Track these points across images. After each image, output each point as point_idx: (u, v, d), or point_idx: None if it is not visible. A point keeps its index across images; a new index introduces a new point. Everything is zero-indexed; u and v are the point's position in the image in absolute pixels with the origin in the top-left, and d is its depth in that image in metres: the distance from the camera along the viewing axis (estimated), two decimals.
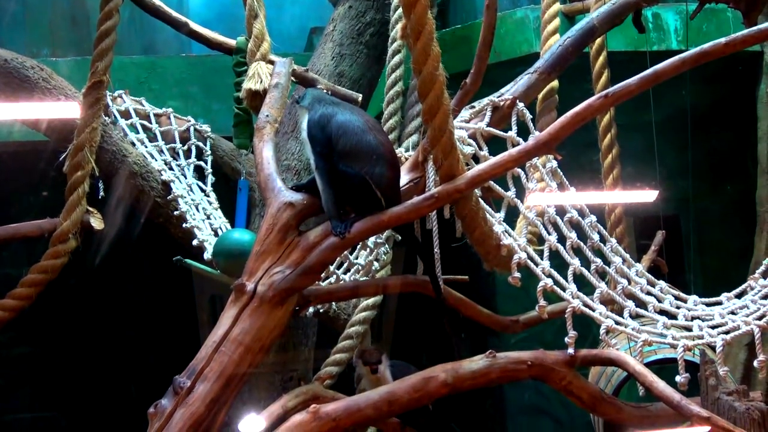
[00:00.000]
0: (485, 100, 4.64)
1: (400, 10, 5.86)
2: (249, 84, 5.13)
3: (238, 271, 5.10)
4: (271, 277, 4.08)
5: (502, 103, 4.62)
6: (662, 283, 4.52)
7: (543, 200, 4.53)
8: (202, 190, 6.21)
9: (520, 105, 4.61)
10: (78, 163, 5.25)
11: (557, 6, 5.69)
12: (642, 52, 6.32)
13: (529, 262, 4.31)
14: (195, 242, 5.69)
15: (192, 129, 6.42)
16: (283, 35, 8.22)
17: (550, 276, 4.30)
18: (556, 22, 5.65)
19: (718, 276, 6.83)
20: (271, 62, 5.27)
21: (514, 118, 4.60)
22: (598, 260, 4.42)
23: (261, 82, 5.12)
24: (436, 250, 4.29)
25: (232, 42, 5.48)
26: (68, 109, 5.28)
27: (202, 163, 6.32)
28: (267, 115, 4.54)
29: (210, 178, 6.29)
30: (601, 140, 5.85)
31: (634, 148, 6.06)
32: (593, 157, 5.90)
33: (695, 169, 6.97)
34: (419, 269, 4.46)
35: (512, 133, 4.56)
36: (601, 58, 5.81)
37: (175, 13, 5.44)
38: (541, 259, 4.37)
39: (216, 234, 5.86)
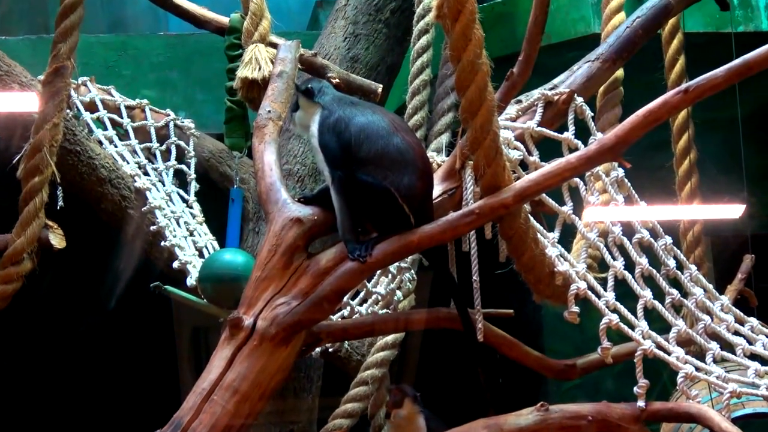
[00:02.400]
0: (535, 94, 4.66)
1: None
2: (245, 71, 5.18)
3: (229, 301, 5.19)
4: (274, 310, 4.11)
5: (556, 98, 4.65)
6: (753, 321, 4.52)
7: (606, 217, 4.54)
8: (184, 200, 6.27)
9: (579, 100, 4.64)
10: (35, 167, 5.28)
11: None
12: (726, 33, 6.35)
13: (589, 293, 4.32)
14: (176, 264, 5.74)
15: (172, 125, 6.47)
16: (282, 10, 8.26)
17: (615, 311, 4.31)
18: None
19: None
20: (273, 45, 5.33)
21: (571, 116, 4.62)
22: (675, 292, 4.42)
23: (260, 69, 5.17)
24: (474, 278, 4.30)
25: (224, 19, 5.51)
26: (23, 100, 5.31)
27: (183, 167, 6.39)
28: (269, 111, 4.58)
29: (193, 186, 6.35)
30: (675, 142, 5.88)
31: (714, 151, 6.08)
32: (665, 162, 5.91)
33: None
34: (452, 301, 4.47)
35: (569, 134, 4.58)
36: (676, 42, 5.83)
37: None
38: (605, 290, 4.37)
39: (201, 255, 5.90)
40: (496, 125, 4.02)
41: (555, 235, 4.50)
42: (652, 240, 4.52)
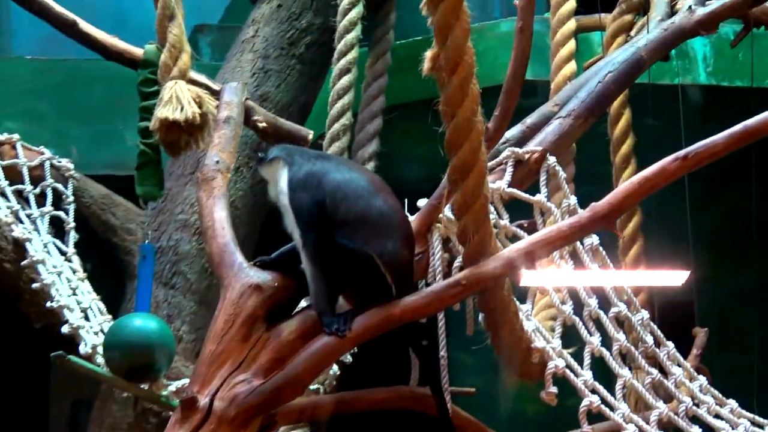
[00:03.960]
0: (505, 152, 4.86)
1: (353, 13, 6.16)
2: (164, 111, 5.22)
3: (141, 375, 5.18)
4: (233, 389, 4.14)
5: (527, 156, 4.85)
6: (733, 403, 4.82)
7: (563, 281, 4.76)
8: (62, 253, 6.20)
9: (552, 159, 4.86)
10: None
11: (572, 24, 6.01)
12: (665, 85, 6.71)
13: (567, 372, 4.52)
14: (66, 329, 5.70)
15: (47, 165, 6.42)
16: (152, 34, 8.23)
17: (594, 391, 4.52)
18: (572, 45, 5.97)
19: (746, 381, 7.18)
20: (194, 82, 5.37)
21: (543, 177, 4.84)
22: (654, 371, 4.68)
23: (182, 109, 5.22)
24: (442, 353, 4.45)
25: (138, 51, 5.52)
26: None
27: (61, 214, 6.34)
28: (217, 161, 4.63)
29: (72, 236, 6.29)
30: None
31: (659, 214, 6.38)
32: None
33: (716, 236, 7.39)
34: (413, 377, 4.60)
35: (541, 196, 4.80)
36: (621, 95, 6.16)
37: (60, 8, 5.46)
38: (581, 367, 4.59)
39: (87, 318, 5.86)
40: (486, 188, 4.18)
41: (528, 307, 4.71)
42: (629, 314, 4.77)
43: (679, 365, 4.81)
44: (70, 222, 6.32)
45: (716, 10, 5.36)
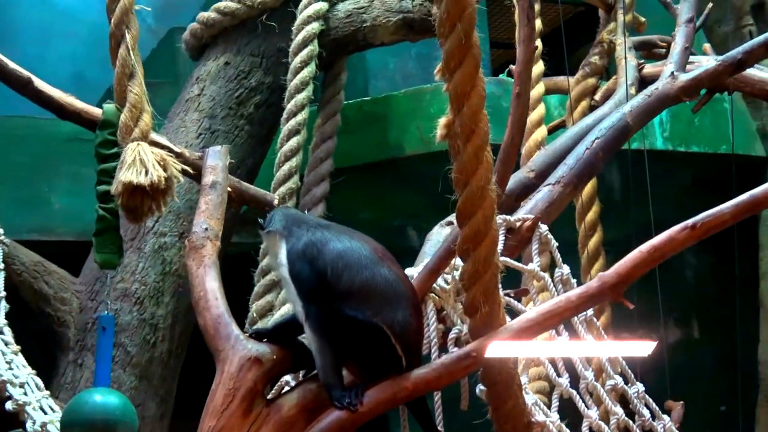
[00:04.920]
0: (498, 219, 5.09)
1: (304, 73, 6.38)
2: (128, 175, 5.31)
3: None
4: None
5: (518, 224, 5.10)
6: None
7: (535, 352, 5.01)
8: None
9: (543, 228, 5.12)
10: None
11: (542, 87, 6.32)
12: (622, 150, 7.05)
13: None
14: (10, 406, 5.72)
15: None
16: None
17: None
18: (542, 109, 6.27)
19: None
20: (155, 144, 5.49)
21: (535, 246, 5.09)
22: None
23: (146, 173, 5.32)
24: (439, 417, 4.66)
25: (96, 111, 5.61)
26: None
27: None
28: (206, 228, 4.77)
29: (3, 306, 6.32)
30: (584, 273, 6.48)
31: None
32: None
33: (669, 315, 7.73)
34: None
35: (534, 265, 5.05)
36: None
37: (13, 64, 5.54)
38: None
39: (25, 393, 5.91)
40: (497, 258, 4.40)
41: (525, 380, 4.93)
42: (626, 387, 5.04)
43: None
44: (1, 291, 6.34)
45: (698, 77, 5.71)
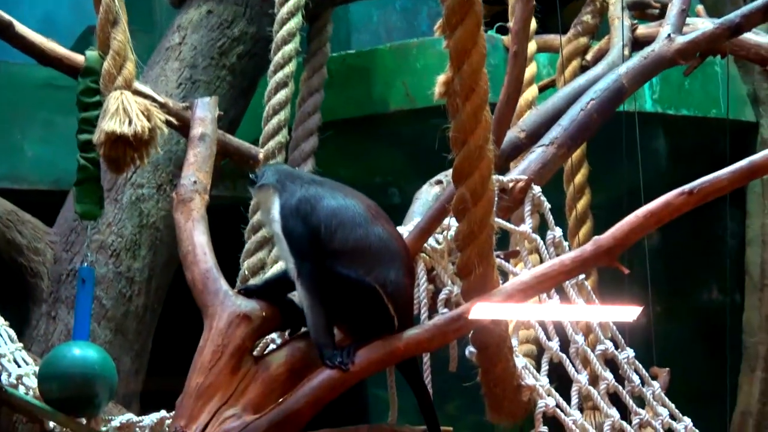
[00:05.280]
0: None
1: (291, 24, 6.39)
2: (111, 124, 5.32)
3: (82, 407, 5.30)
4: (222, 424, 4.32)
5: (511, 185, 5.16)
6: None
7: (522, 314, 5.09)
8: None
9: (536, 189, 5.19)
10: None
11: (533, 46, 6.37)
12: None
13: (558, 411, 4.85)
14: None
15: None
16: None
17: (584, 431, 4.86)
18: (533, 68, 6.32)
19: None
20: (139, 93, 5.51)
21: (528, 207, 5.16)
22: (642, 412, 5.04)
23: (130, 122, 5.34)
24: (427, 380, 4.73)
25: (78, 58, 5.62)
26: None
27: None
28: (194, 182, 4.81)
29: None
30: (571, 235, 6.57)
31: None
32: None
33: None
34: (392, 413, 4.85)
35: (526, 227, 5.12)
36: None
37: None
38: (569, 405, 4.92)
39: None
40: (493, 219, 4.46)
41: (515, 342, 5.01)
42: (615, 352, 5.12)
43: (664, 405, 5.18)
44: None
45: (696, 40, 5.76)
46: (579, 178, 6.68)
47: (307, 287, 4.39)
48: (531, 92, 6.42)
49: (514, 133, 5.69)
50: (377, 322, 4.42)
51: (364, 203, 4.53)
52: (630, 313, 6.30)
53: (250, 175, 4.64)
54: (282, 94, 6.51)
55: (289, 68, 6.55)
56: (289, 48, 6.55)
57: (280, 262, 6.04)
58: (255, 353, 4.61)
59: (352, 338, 4.46)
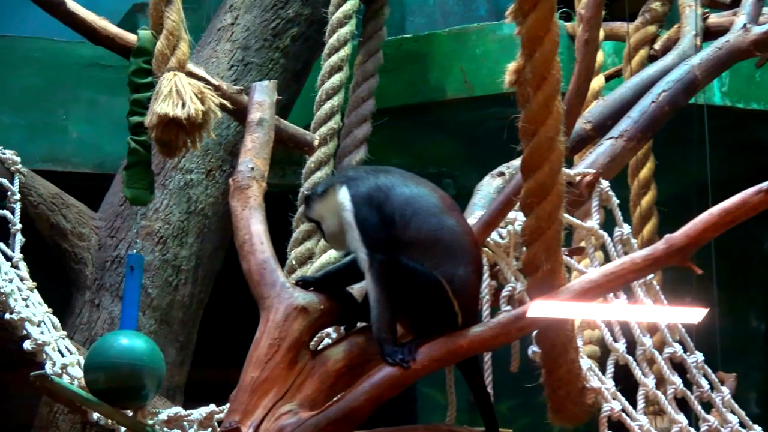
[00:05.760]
0: None
1: (347, 6, 6.40)
2: (164, 106, 5.36)
3: (126, 399, 5.33)
4: (278, 420, 4.32)
5: (578, 179, 5.14)
6: None
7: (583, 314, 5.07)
8: (7, 258, 6.27)
9: (605, 184, 5.15)
10: None
11: (601, 33, 6.32)
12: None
13: (623, 416, 4.83)
14: (28, 345, 5.77)
15: None
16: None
17: None
18: (599, 57, 6.30)
19: None
20: (193, 75, 5.53)
21: (595, 202, 5.12)
22: (711, 419, 5.01)
23: (183, 105, 5.37)
24: (488, 379, 4.73)
25: (131, 37, 5.64)
26: None
27: (6, 213, 6.43)
28: (252, 168, 4.80)
29: (19, 239, 6.37)
30: (636, 232, 6.54)
31: None
32: None
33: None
34: (450, 413, 4.86)
35: (594, 223, 5.09)
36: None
37: None
38: (635, 409, 4.90)
39: (41, 332, 5.96)
40: (562, 214, 4.45)
41: (580, 343, 5.00)
42: (684, 356, 5.10)
43: (734, 412, 5.15)
44: (17, 223, 6.39)
45: None
46: (644, 172, 6.66)
47: (377, 279, 4.36)
48: (598, 82, 6.40)
49: (579, 125, 5.68)
50: (441, 319, 4.42)
51: (437, 193, 4.53)
52: (695, 314, 6.30)
53: (310, 193, 4.61)
54: (336, 79, 6.52)
55: (344, 52, 6.56)
56: (344, 31, 6.56)
57: (328, 253, 6.04)
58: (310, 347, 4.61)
59: (414, 334, 4.46)
